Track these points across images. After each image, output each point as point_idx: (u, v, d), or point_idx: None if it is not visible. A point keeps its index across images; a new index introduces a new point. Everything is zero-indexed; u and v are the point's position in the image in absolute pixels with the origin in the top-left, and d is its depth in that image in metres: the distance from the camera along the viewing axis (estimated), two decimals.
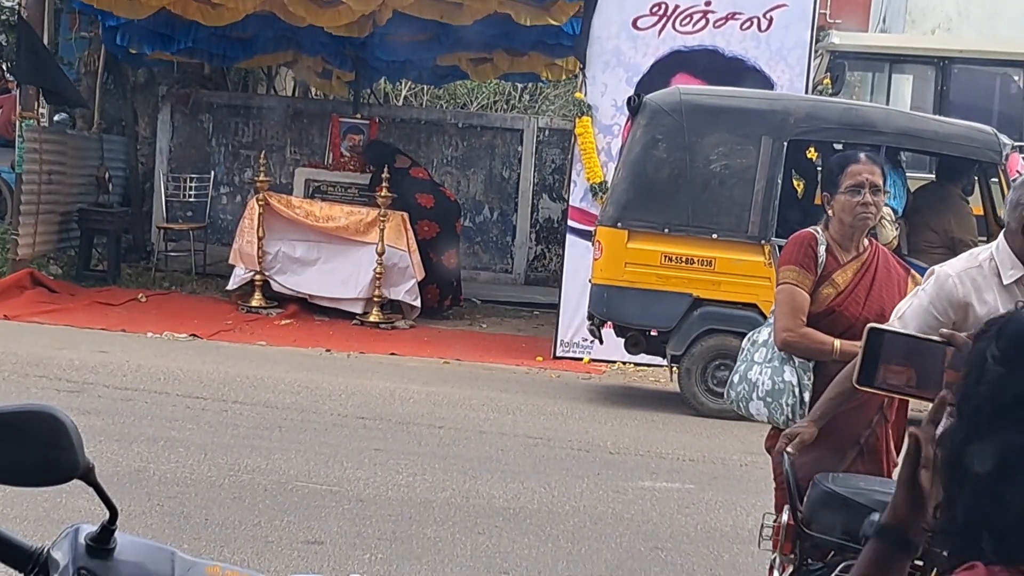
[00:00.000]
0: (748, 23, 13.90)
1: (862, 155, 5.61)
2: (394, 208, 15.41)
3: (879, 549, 2.03)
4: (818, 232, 5.49)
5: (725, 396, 5.74)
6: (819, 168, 13.06)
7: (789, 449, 4.94)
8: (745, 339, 5.73)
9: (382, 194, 15.00)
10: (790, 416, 5.31)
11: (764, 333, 5.57)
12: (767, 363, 5.44)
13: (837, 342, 5.28)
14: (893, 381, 2.17)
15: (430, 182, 16.84)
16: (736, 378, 5.57)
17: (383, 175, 15.09)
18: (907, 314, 4.64)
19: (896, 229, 11.84)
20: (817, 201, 12.99)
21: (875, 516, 2.11)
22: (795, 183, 13.03)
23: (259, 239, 15.23)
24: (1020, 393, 1.82)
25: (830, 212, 5.49)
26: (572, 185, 14.38)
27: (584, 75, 14.33)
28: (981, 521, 1.81)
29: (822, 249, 5.42)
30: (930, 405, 2.00)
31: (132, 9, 16.15)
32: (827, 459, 5.19)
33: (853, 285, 5.41)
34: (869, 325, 2.20)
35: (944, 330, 2.18)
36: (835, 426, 5.12)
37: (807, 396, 5.30)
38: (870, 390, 2.21)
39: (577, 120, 14.22)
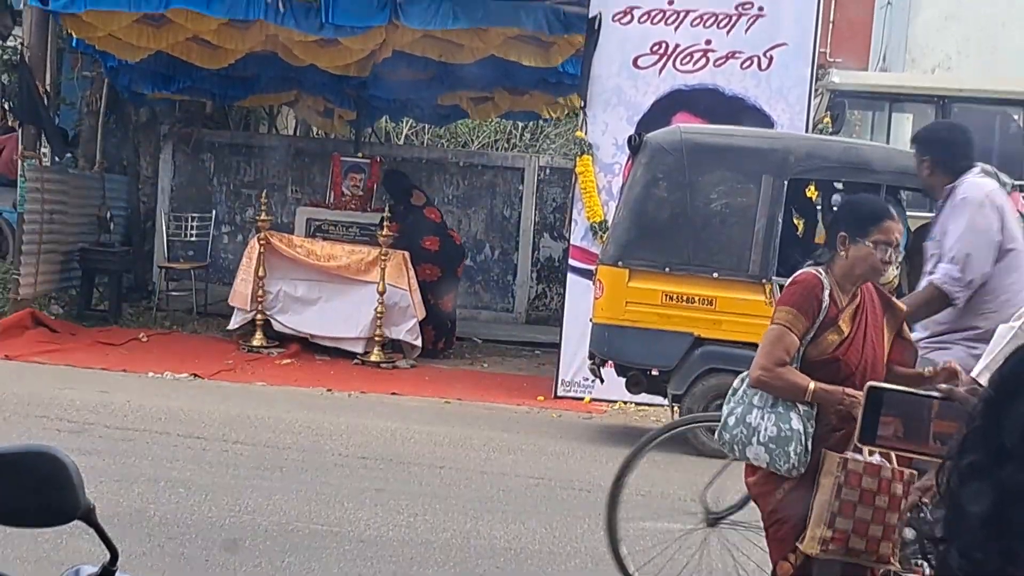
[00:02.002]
0: (748, 62, 13.94)
1: (894, 210, 5.60)
2: (399, 245, 15.46)
3: None
4: (822, 275, 5.41)
5: (717, 436, 5.63)
6: (819, 207, 13.07)
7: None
8: (738, 379, 5.66)
9: (383, 232, 15.01)
10: (795, 464, 5.23)
11: None
12: (769, 408, 5.35)
13: (812, 384, 5.24)
14: (882, 432, 2.16)
15: (440, 224, 16.86)
16: (731, 420, 5.48)
17: (399, 207, 15.17)
18: None
19: (897, 268, 11.85)
20: (818, 240, 13.01)
21: None
22: (795, 221, 13.04)
23: (260, 278, 15.24)
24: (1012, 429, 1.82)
25: (843, 254, 5.41)
26: (573, 224, 14.39)
27: (585, 114, 14.36)
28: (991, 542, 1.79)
29: (826, 295, 5.36)
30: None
31: (131, 52, 16.21)
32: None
33: (853, 332, 5.37)
34: (869, 384, 2.19)
35: (943, 385, 2.17)
36: None
37: (810, 444, 5.25)
38: (872, 448, 2.21)
39: (578, 159, 14.24)
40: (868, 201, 6.18)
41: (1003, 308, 7.06)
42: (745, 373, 5.62)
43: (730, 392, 5.59)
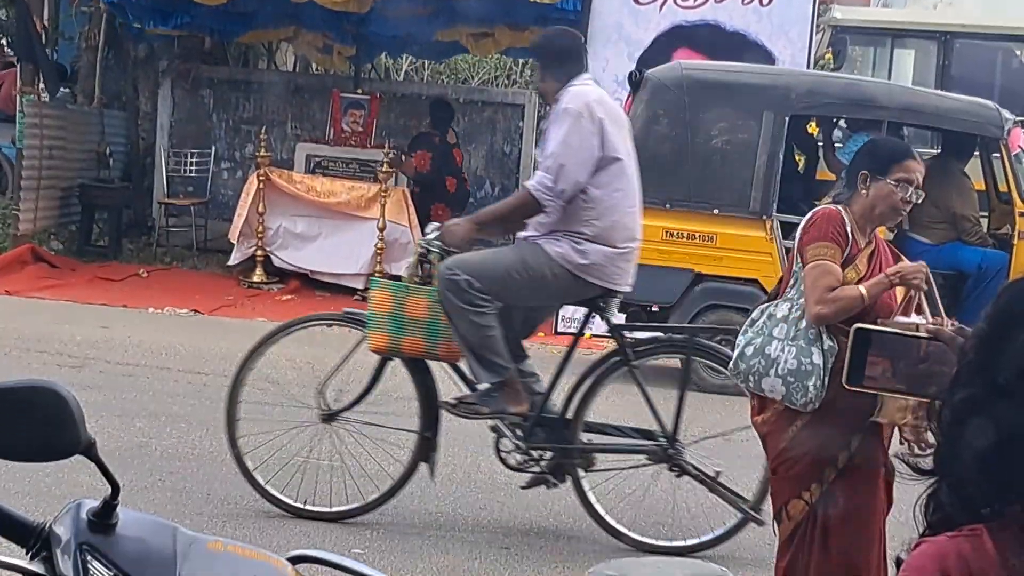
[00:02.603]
0: None
1: (915, 152, 5.57)
2: (426, 177, 15.52)
3: None
4: (842, 211, 5.37)
5: (732, 367, 5.56)
6: (819, 143, 13.05)
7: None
8: (757, 310, 5.55)
9: (383, 168, 15.00)
10: (812, 399, 5.20)
11: (783, 308, 5.38)
12: (790, 341, 5.29)
13: (861, 287, 5.21)
14: (869, 373, 2.15)
15: (460, 167, 17.04)
16: (749, 350, 5.40)
17: (435, 139, 15.47)
18: None
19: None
20: (819, 176, 13.00)
21: None
22: (796, 158, 13.02)
23: (260, 214, 15.21)
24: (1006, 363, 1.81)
25: (864, 192, 5.36)
26: None
27: (585, 49, 14.26)
28: (992, 476, 1.78)
29: (848, 229, 5.34)
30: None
31: None
32: (832, 440, 5.17)
33: (869, 272, 5.33)
34: (855, 326, 2.18)
35: (931, 326, 2.17)
36: (844, 406, 5.08)
37: (828, 380, 5.21)
38: (860, 390, 2.19)
39: None
40: (891, 141, 6.16)
41: (605, 216, 7.17)
42: (764, 303, 5.56)
43: (747, 322, 5.53)
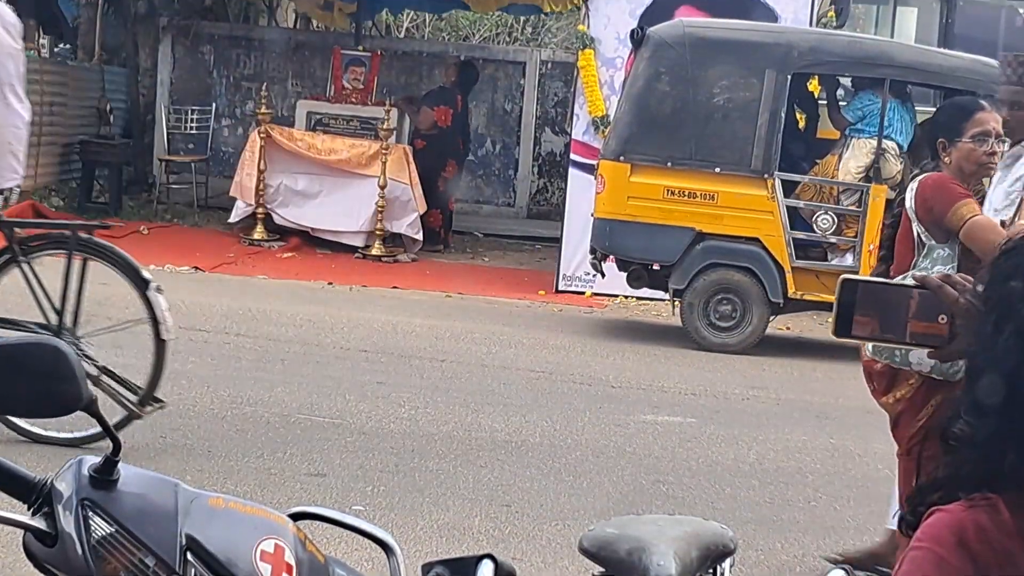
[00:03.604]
0: None
1: (984, 102, 5.54)
2: (442, 137, 15.81)
3: None
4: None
5: (874, 346, 5.27)
6: (820, 101, 13.02)
7: None
8: (899, 278, 5.51)
9: (384, 127, 14.98)
10: (962, 367, 5.13)
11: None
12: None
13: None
14: (860, 332, 2.16)
15: (468, 131, 17.21)
16: None
17: (459, 96, 15.99)
18: None
19: (900, 163, 11.81)
20: (821, 134, 12.97)
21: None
22: (797, 116, 12.98)
23: (260, 172, 15.19)
24: None
25: (947, 160, 5.35)
26: (575, 118, 14.33)
27: (587, 7, 14.24)
28: (1010, 436, 1.76)
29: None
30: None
31: None
32: None
33: None
34: (842, 276, 2.18)
35: (917, 273, 2.16)
36: None
37: None
38: (847, 341, 2.19)
39: (580, 53, 14.14)
40: (956, 101, 6.12)
41: None
42: (908, 273, 5.49)
43: None
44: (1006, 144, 5.40)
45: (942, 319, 2.08)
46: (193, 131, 18.31)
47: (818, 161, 12.21)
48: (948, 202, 5.29)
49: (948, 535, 1.78)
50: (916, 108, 12.35)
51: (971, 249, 5.22)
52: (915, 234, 5.40)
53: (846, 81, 13.28)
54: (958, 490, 1.80)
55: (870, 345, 5.27)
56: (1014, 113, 5.97)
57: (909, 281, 2.16)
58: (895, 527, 6.16)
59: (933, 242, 5.34)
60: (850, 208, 11.59)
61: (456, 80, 16.78)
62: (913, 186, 5.44)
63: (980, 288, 1.91)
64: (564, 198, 14.54)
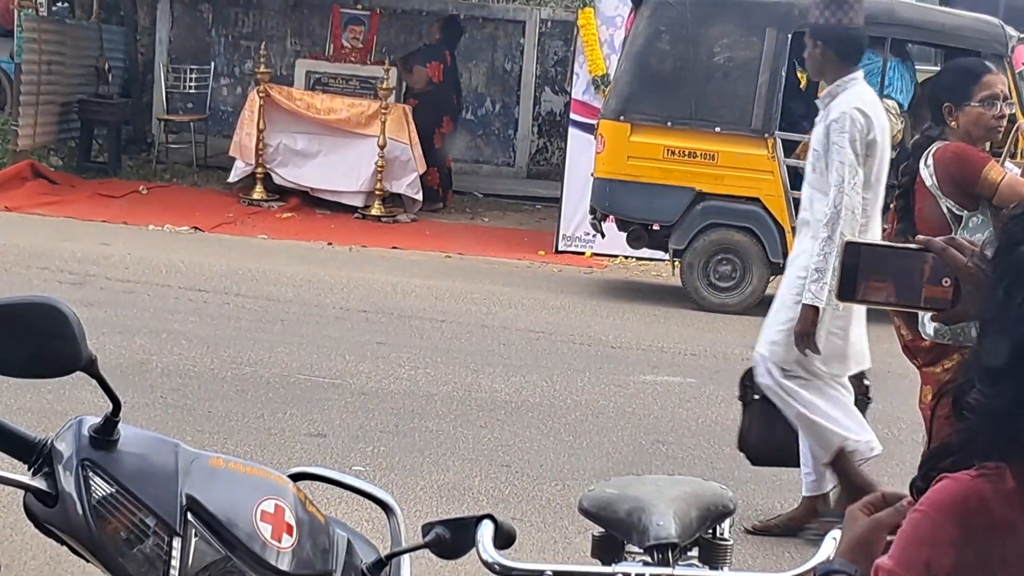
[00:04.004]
0: None
1: (989, 64, 5.50)
2: (434, 91, 15.93)
3: None
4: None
5: (936, 327, 5.21)
6: None
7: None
8: None
9: (383, 87, 14.93)
10: None
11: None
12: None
13: None
14: (874, 297, 2.16)
15: (460, 86, 17.21)
16: None
17: (448, 52, 16.16)
18: None
19: (901, 122, 11.78)
20: (821, 93, 12.92)
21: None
22: (798, 75, 12.93)
23: (260, 131, 15.15)
24: None
25: (953, 124, 5.34)
26: (575, 78, 14.29)
27: None
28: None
29: None
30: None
31: None
32: None
33: None
34: (845, 239, 2.18)
35: (920, 236, 2.15)
36: None
37: None
38: (852, 303, 2.19)
39: (580, 11, 14.08)
40: (962, 64, 6.07)
41: None
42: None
43: None
44: (1013, 107, 5.36)
45: (946, 282, 2.08)
46: (192, 90, 18.24)
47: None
48: (975, 170, 5.27)
49: (949, 503, 1.79)
50: (917, 67, 12.31)
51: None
52: (944, 209, 5.33)
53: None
54: (970, 458, 1.80)
55: (930, 327, 5.22)
56: (822, 52, 6.10)
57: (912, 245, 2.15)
58: (809, 492, 6.22)
59: (965, 212, 5.30)
60: None
61: (441, 37, 16.72)
62: (928, 162, 5.37)
63: (989, 252, 1.90)
64: (564, 158, 14.50)
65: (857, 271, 2.14)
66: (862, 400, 6.35)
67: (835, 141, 5.90)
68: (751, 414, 6.34)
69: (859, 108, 5.94)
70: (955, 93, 5.33)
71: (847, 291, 2.16)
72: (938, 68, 12.89)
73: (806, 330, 5.94)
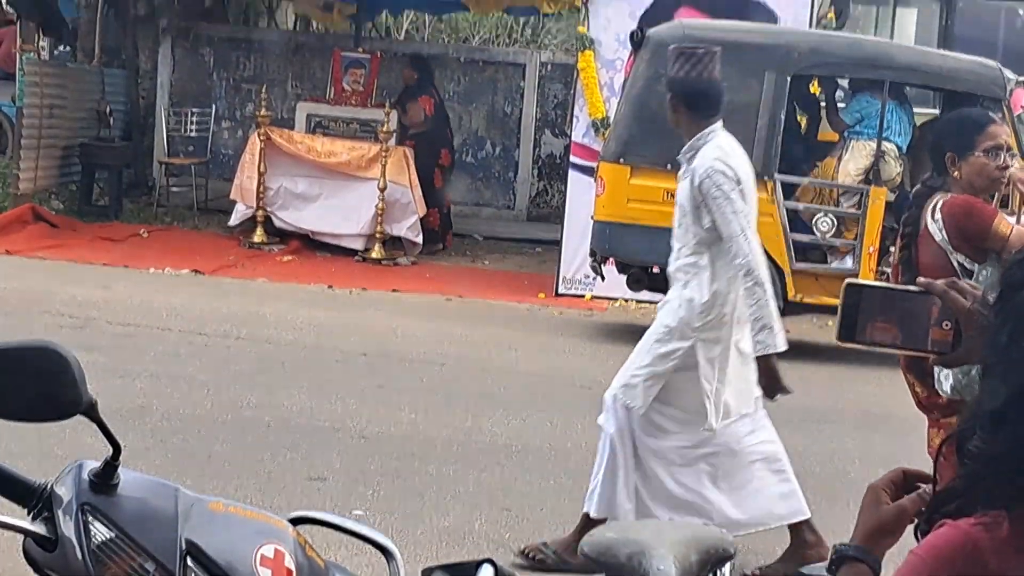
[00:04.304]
0: None
1: (993, 115, 5.50)
2: (430, 125, 16.07)
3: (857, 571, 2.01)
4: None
5: (953, 384, 5.09)
6: (822, 103, 13.01)
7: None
8: None
9: (384, 129, 14.98)
10: None
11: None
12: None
13: None
14: (880, 338, 2.15)
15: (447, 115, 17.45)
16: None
17: (434, 90, 16.17)
18: None
19: (900, 165, 11.81)
20: (821, 137, 12.97)
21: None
22: (798, 119, 12.98)
23: (260, 174, 15.18)
24: None
25: (956, 174, 5.30)
26: (575, 120, 14.32)
27: (587, 9, 14.23)
28: None
29: None
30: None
31: None
32: None
33: None
34: (847, 280, 2.18)
35: (922, 279, 2.15)
36: None
37: None
38: (852, 346, 2.19)
39: (580, 54, 14.13)
40: (965, 114, 6.04)
41: None
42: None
43: None
44: (1015, 157, 5.35)
45: (946, 325, 2.08)
46: (193, 133, 18.29)
47: (818, 163, 12.21)
48: (984, 224, 5.25)
49: (946, 550, 1.80)
50: (916, 110, 12.36)
51: None
52: (955, 263, 5.28)
53: (844, 83, 13.28)
54: (972, 504, 1.81)
55: (947, 384, 5.14)
56: (677, 106, 6.15)
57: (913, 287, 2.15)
58: (591, 511, 6.20)
59: (976, 265, 5.28)
60: (850, 210, 11.58)
61: (418, 76, 16.77)
62: (937, 216, 5.32)
63: (991, 297, 1.91)
64: (564, 200, 14.52)
65: (858, 312, 2.13)
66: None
67: (715, 196, 5.98)
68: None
69: (720, 159, 6.04)
70: (958, 143, 5.30)
71: (847, 333, 2.15)
72: (937, 111, 12.98)
73: (772, 380, 5.96)
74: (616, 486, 6.16)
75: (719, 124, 6.19)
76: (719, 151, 6.06)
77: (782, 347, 5.94)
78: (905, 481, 2.00)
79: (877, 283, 2.22)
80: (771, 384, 5.98)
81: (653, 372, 6.14)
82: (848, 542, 2.04)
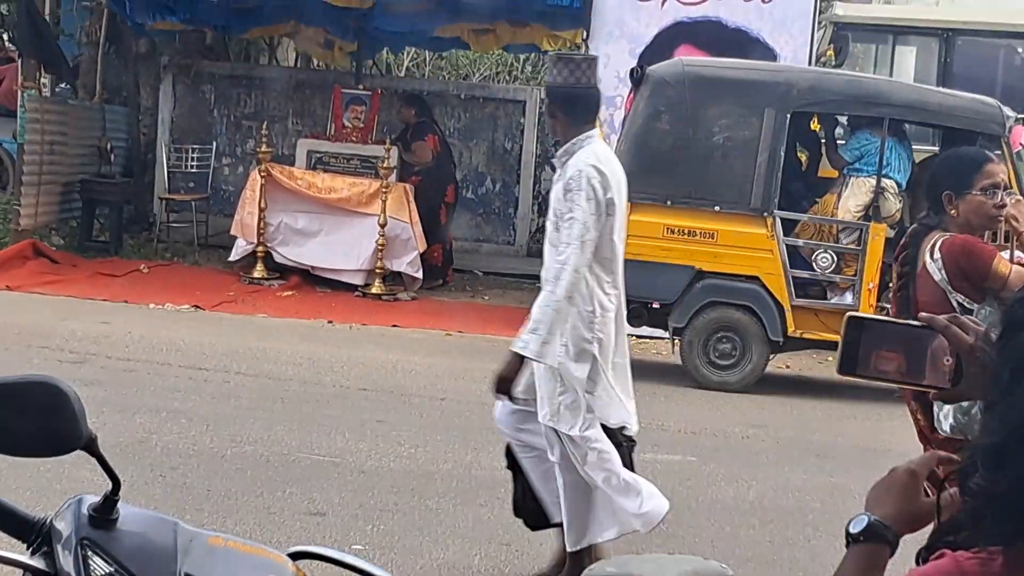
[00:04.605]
0: None
1: (990, 153, 5.50)
2: (437, 161, 16.18)
3: (869, 550, 2.05)
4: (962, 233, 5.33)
5: (952, 424, 5.15)
6: (822, 140, 13.05)
7: None
8: None
9: (384, 166, 15.01)
10: None
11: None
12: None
13: None
14: (882, 371, 2.15)
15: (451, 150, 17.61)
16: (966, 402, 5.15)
17: (437, 127, 16.34)
18: None
19: (900, 202, 11.83)
20: (821, 173, 13.00)
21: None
22: (799, 156, 13.01)
23: (261, 210, 15.21)
24: None
25: (953, 212, 5.30)
26: None
27: (587, 46, 14.29)
28: None
29: None
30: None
31: None
32: None
33: None
34: (848, 314, 2.18)
35: (923, 314, 2.15)
36: None
37: None
38: (853, 378, 2.19)
39: None
40: (963, 152, 6.04)
41: None
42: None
43: None
44: (1013, 196, 5.35)
45: (947, 361, 2.08)
46: (194, 170, 18.32)
47: (817, 200, 12.23)
48: (984, 264, 5.24)
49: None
50: (915, 147, 12.38)
51: None
52: (954, 303, 5.27)
53: (843, 120, 13.32)
54: (973, 540, 1.82)
55: (947, 424, 5.15)
56: (555, 112, 6.13)
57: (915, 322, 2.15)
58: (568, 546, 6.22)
59: (976, 305, 5.27)
60: (849, 247, 11.60)
61: (417, 113, 16.81)
62: (936, 256, 5.31)
63: (993, 335, 1.92)
64: None
65: (860, 345, 2.14)
66: (626, 447, 6.35)
67: (572, 199, 5.89)
68: (521, 483, 6.38)
69: (594, 166, 5.95)
70: (955, 181, 5.30)
71: (849, 366, 2.16)
72: (936, 148, 13.00)
73: (508, 376, 5.92)
74: (587, 512, 6.16)
75: (596, 131, 6.18)
76: (592, 157, 6.00)
77: (548, 361, 5.87)
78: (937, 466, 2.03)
79: (879, 317, 2.23)
80: (504, 382, 5.92)
81: (567, 391, 6.10)
82: (872, 513, 2.07)
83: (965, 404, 5.09)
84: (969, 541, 1.83)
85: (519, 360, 5.89)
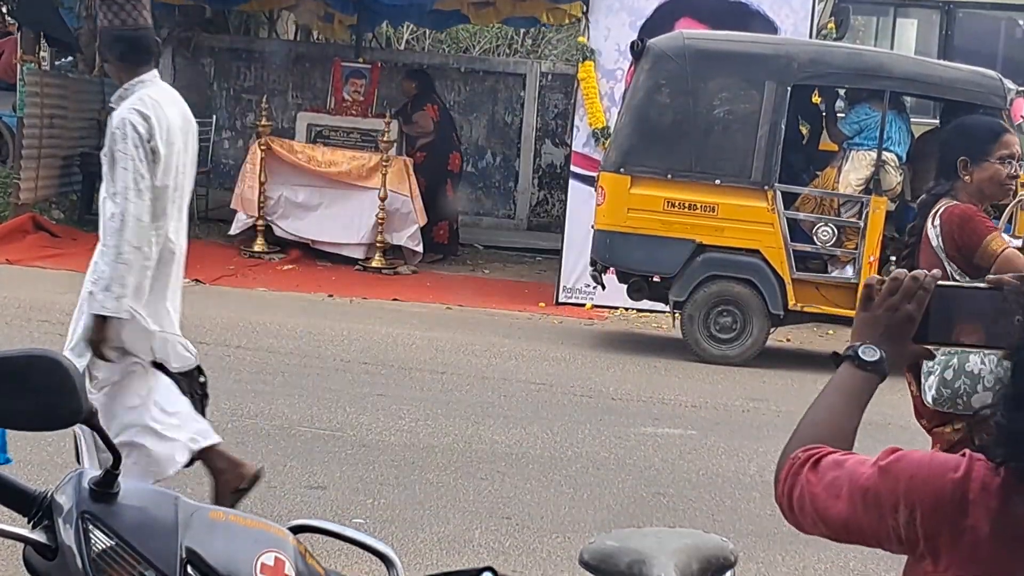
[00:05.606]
0: None
1: (1006, 124, 5.49)
2: (437, 131, 16.20)
3: (870, 380, 2.31)
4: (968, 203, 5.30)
5: (934, 395, 5.19)
6: (823, 112, 13.02)
7: None
8: None
9: (384, 139, 14.99)
10: None
11: None
12: (987, 351, 5.04)
13: None
14: (967, 339, 2.22)
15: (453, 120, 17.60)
16: (949, 374, 5.13)
17: (439, 98, 16.23)
18: None
19: (900, 175, 11.82)
20: (821, 146, 12.98)
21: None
22: (800, 128, 12.99)
23: (261, 184, 15.19)
24: None
25: (967, 178, 5.29)
26: (575, 130, 14.33)
27: (587, 19, 14.25)
28: None
29: None
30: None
31: None
32: None
33: None
34: (938, 283, 2.21)
35: (991, 276, 2.17)
36: None
37: None
38: (926, 346, 2.26)
39: (580, 65, 14.15)
40: (980, 120, 6.01)
41: None
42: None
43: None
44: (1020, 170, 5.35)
45: (1018, 320, 2.11)
46: None
47: (818, 173, 12.22)
48: (977, 236, 5.23)
49: (957, 461, 2.10)
50: (914, 120, 12.36)
51: None
52: (950, 272, 5.26)
53: (842, 93, 13.29)
54: (992, 458, 2.08)
55: (930, 395, 5.17)
56: (107, 55, 5.88)
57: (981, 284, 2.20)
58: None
59: (967, 278, 5.21)
60: (850, 220, 11.59)
61: (418, 88, 16.78)
62: (936, 222, 5.31)
63: None
64: (564, 210, 14.53)
65: (929, 312, 2.19)
66: (199, 397, 6.27)
67: (118, 148, 5.61)
68: None
69: (139, 111, 5.65)
70: (973, 148, 5.27)
71: (920, 334, 2.21)
72: (936, 121, 12.98)
73: (101, 339, 5.74)
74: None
75: (153, 74, 5.83)
76: (140, 103, 5.67)
77: (122, 315, 5.69)
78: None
79: (957, 283, 2.31)
80: (98, 343, 5.75)
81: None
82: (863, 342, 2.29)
83: (948, 377, 5.12)
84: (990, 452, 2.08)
85: (103, 321, 5.75)
